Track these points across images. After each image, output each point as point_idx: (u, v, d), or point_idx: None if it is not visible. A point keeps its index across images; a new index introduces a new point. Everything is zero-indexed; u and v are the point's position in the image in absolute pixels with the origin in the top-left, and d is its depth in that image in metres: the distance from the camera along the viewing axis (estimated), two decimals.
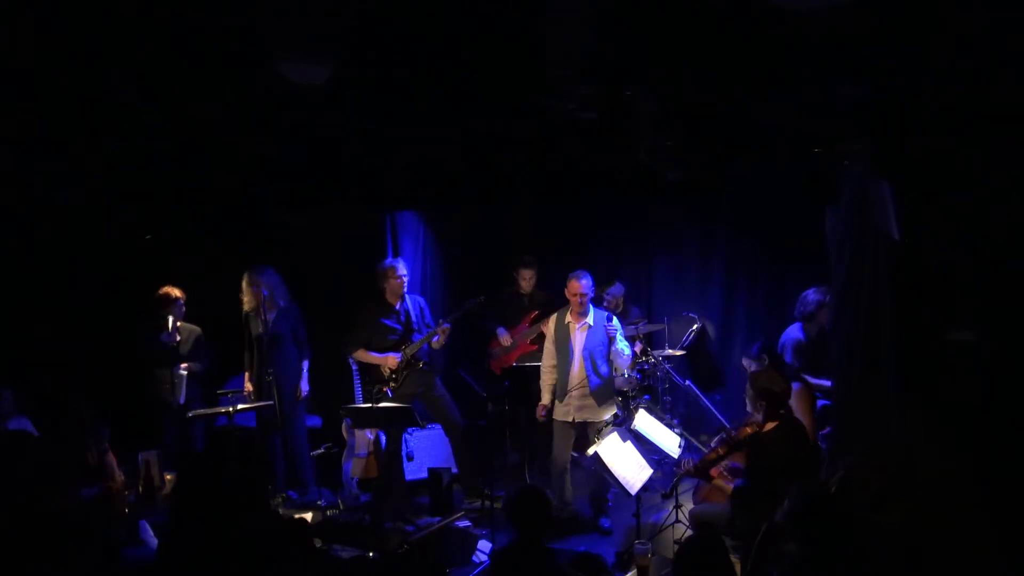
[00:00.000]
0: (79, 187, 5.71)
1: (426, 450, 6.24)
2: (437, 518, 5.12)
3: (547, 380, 5.53)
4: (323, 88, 3.97)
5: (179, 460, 5.60)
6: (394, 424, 5.45)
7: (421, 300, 6.01)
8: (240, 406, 5.39)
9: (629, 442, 4.87)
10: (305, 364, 6.07)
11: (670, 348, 6.81)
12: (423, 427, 5.78)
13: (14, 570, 3.58)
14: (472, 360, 6.95)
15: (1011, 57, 3.48)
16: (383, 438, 5.78)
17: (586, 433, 5.38)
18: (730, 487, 4.42)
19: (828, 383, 4.95)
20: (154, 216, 6.57)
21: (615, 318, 5.51)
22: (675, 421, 6.56)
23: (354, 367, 6.13)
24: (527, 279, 6.58)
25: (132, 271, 6.49)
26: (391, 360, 5.71)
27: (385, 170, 5.93)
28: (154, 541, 4.45)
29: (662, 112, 4.70)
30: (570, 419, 5.37)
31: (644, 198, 6.90)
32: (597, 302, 5.71)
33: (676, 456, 4.97)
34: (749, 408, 4.35)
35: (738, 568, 3.33)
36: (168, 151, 5.24)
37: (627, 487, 4.60)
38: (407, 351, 5.73)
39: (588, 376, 5.33)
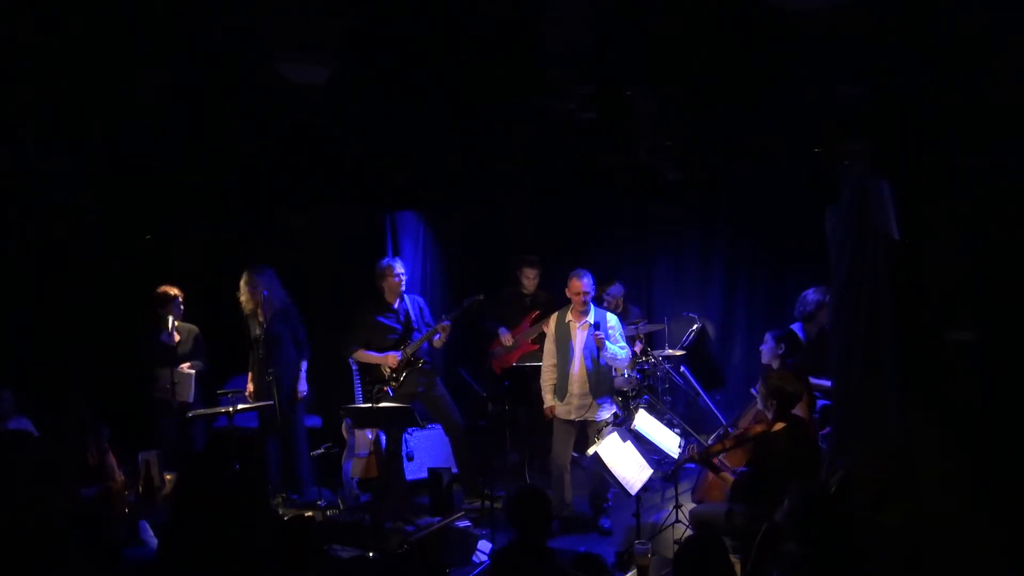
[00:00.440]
0: (79, 187, 5.71)
1: (426, 450, 6.23)
2: (437, 518, 5.12)
3: (548, 379, 5.53)
4: (323, 88, 3.97)
5: (179, 460, 5.58)
6: (394, 424, 5.45)
7: (420, 300, 6.01)
8: (240, 406, 5.40)
9: (629, 442, 4.86)
10: (304, 364, 6.06)
11: (670, 348, 6.81)
12: (423, 427, 5.77)
13: (14, 570, 3.58)
14: (472, 360, 6.95)
15: (1011, 57, 3.47)
16: (383, 438, 5.78)
17: (586, 432, 5.38)
18: (731, 478, 4.41)
19: (828, 383, 4.95)
20: (154, 216, 6.57)
21: (615, 317, 5.50)
22: (675, 421, 6.56)
23: (354, 367, 6.12)
24: (531, 278, 6.57)
25: (132, 271, 6.49)
26: (391, 359, 5.71)
27: (385, 170, 5.93)
28: (154, 541, 4.44)
29: (662, 112, 4.70)
30: (571, 417, 5.37)
31: (644, 198, 6.90)
32: (597, 302, 5.71)
33: (676, 456, 4.97)
34: (760, 405, 4.35)
35: (738, 568, 3.33)
36: (168, 151, 5.25)
37: (627, 487, 4.60)
38: (407, 350, 5.73)
39: (588, 375, 5.33)
